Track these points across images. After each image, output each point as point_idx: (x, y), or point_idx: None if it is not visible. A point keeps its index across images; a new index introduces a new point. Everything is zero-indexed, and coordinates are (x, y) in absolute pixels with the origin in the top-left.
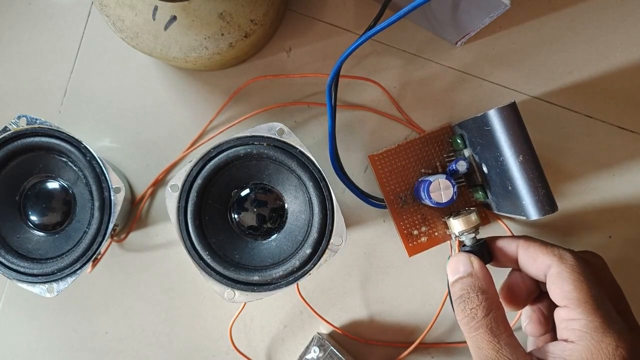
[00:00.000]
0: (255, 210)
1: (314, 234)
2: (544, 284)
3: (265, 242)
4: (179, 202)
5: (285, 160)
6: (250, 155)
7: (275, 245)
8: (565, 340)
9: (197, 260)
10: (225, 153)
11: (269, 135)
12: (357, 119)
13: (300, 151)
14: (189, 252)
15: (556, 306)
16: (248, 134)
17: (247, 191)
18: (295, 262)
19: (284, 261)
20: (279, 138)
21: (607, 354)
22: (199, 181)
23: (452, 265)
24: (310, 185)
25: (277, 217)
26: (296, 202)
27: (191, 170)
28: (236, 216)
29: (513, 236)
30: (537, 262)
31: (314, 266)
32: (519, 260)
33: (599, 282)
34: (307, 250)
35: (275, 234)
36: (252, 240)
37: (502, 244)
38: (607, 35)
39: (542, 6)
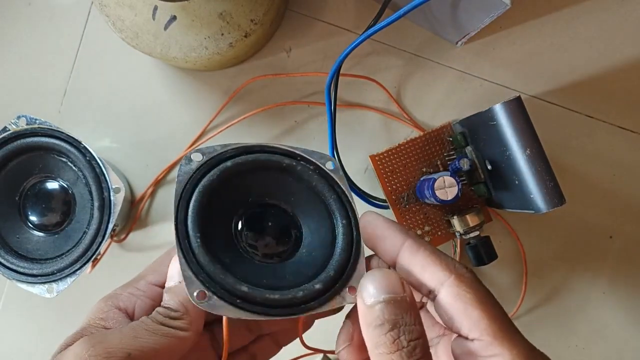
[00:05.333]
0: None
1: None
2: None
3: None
4: (193, 173)
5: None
6: (290, 170)
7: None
8: None
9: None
10: (267, 154)
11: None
12: (358, 119)
13: (343, 191)
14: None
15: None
16: (301, 153)
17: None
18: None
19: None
20: (327, 170)
21: None
22: (228, 163)
23: (381, 281)
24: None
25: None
26: (315, 236)
27: (225, 147)
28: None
29: (400, 226)
30: (425, 273)
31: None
32: (400, 262)
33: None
34: (317, 285)
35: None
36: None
37: (384, 230)
38: (608, 35)
39: (542, 6)
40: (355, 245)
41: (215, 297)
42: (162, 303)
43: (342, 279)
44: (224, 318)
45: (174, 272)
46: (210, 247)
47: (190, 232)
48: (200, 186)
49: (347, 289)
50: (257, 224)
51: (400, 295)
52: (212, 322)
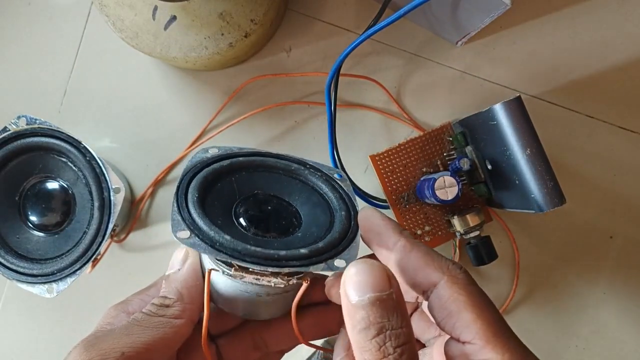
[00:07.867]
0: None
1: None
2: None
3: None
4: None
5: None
6: (298, 173)
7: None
8: None
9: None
10: (278, 159)
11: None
12: (358, 119)
13: (345, 192)
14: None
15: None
16: (313, 164)
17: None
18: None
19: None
20: (335, 179)
21: None
22: (241, 158)
23: (368, 273)
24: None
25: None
26: (310, 211)
27: (240, 149)
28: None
29: (396, 225)
30: (419, 274)
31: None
32: (394, 261)
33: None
34: (302, 250)
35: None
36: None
37: (379, 227)
38: (608, 35)
39: (543, 6)
40: (350, 233)
41: (196, 238)
42: (160, 293)
43: (330, 253)
44: (206, 275)
45: (175, 260)
46: (206, 210)
47: (190, 193)
48: (210, 167)
49: (334, 260)
50: (258, 207)
51: (386, 292)
52: (217, 337)
